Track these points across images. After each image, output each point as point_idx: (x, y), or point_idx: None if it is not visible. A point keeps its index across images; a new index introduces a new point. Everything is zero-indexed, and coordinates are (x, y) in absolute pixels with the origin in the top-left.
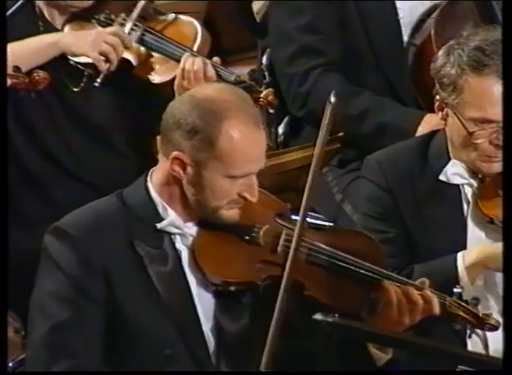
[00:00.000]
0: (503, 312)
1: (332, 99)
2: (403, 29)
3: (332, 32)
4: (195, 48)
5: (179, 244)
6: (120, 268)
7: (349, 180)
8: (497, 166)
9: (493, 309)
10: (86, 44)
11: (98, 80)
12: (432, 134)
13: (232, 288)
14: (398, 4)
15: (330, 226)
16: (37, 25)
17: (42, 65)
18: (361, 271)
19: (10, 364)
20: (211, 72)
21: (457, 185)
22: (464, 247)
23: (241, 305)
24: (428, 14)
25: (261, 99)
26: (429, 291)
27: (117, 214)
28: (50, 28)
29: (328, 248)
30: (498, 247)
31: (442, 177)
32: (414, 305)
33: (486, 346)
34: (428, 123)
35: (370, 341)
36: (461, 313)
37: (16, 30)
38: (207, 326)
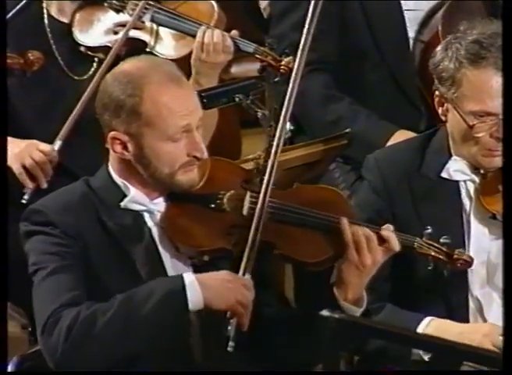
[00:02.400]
0: (503, 311)
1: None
2: (408, 25)
3: (329, 29)
4: (212, 24)
5: (148, 223)
6: (93, 244)
7: (356, 176)
8: (498, 161)
9: (496, 302)
10: (11, 154)
11: (25, 196)
12: (434, 132)
13: (206, 258)
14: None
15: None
16: (42, 21)
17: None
18: (322, 220)
19: (14, 358)
20: (229, 42)
21: (456, 182)
22: (463, 244)
23: None
24: (434, 10)
25: (283, 67)
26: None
27: (84, 196)
28: (55, 23)
29: (289, 203)
30: (457, 328)
31: (443, 174)
32: (371, 242)
33: None
34: (397, 140)
35: (376, 337)
36: (432, 253)
37: (21, 27)
38: None
